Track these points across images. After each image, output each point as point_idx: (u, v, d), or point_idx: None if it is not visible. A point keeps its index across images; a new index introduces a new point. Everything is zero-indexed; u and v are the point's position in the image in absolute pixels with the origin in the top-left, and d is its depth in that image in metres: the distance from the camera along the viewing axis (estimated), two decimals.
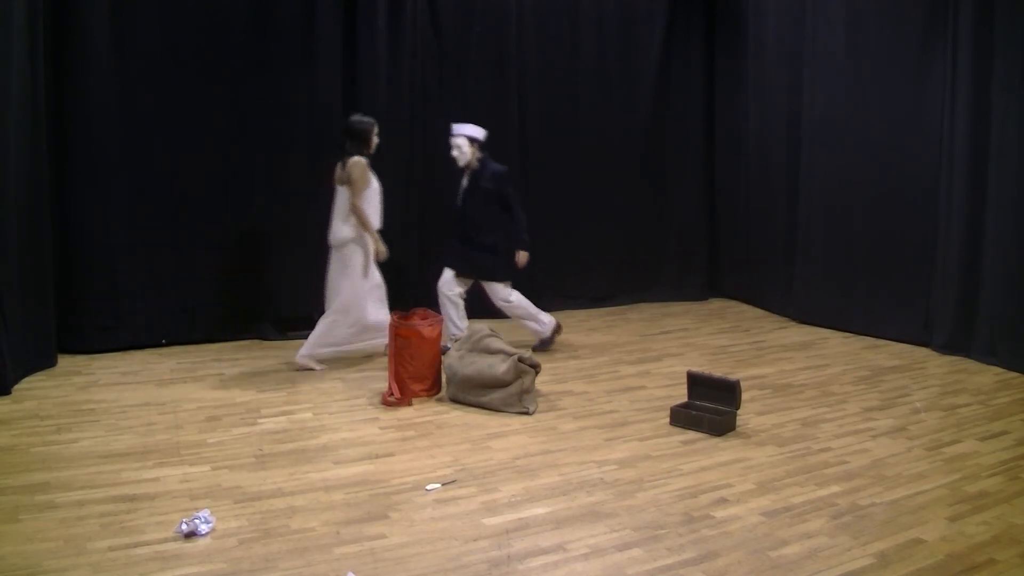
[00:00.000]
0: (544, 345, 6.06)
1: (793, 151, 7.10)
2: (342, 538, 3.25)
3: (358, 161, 5.39)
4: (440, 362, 5.07)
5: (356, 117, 5.57)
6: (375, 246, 5.46)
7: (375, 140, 5.52)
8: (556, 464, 4.03)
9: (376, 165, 6.68)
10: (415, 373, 4.95)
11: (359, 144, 5.46)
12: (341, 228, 5.40)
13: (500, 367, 4.75)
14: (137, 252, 5.93)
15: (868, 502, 3.60)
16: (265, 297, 6.34)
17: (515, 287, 5.99)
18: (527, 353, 4.93)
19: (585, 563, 3.09)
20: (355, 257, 5.42)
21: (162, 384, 5.19)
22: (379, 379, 5.26)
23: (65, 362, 5.54)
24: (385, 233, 7.04)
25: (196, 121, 6.03)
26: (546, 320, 6.05)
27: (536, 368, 4.86)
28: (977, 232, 5.79)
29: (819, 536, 3.29)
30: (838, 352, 6.15)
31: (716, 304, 7.97)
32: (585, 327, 6.93)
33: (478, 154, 5.82)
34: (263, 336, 6.30)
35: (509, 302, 5.92)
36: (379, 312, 5.51)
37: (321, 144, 6.46)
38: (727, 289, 8.16)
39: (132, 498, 3.54)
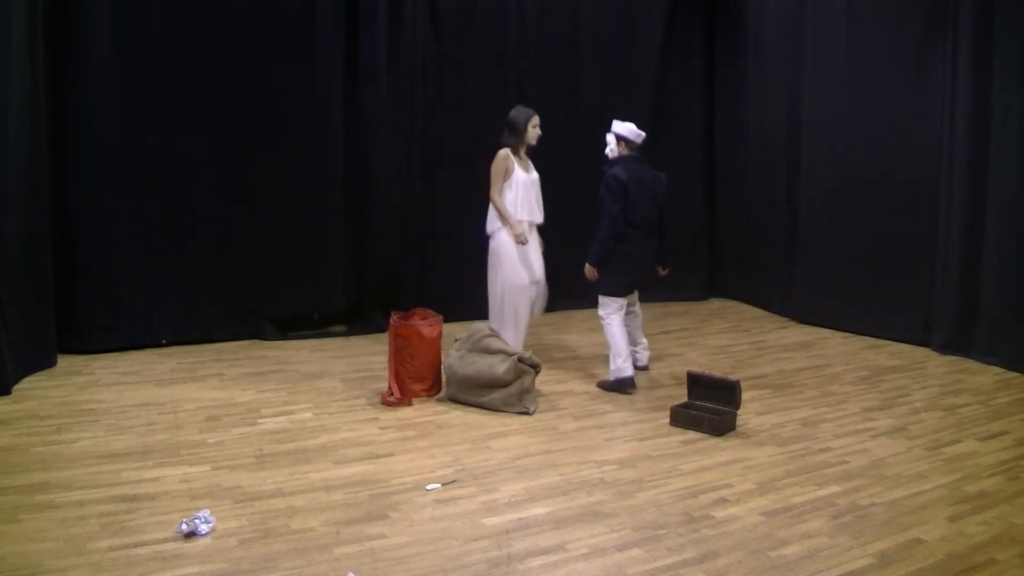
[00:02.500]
0: (604, 386, 5.28)
1: (793, 151, 7.10)
2: (342, 538, 3.25)
3: (499, 153, 5.26)
4: (440, 362, 5.07)
5: (516, 108, 5.39)
6: (514, 234, 5.22)
7: (532, 132, 5.31)
8: (556, 464, 4.03)
9: (376, 164, 6.71)
10: (415, 373, 4.95)
11: (513, 135, 5.30)
12: (490, 219, 5.36)
13: (500, 367, 4.75)
14: (137, 252, 5.92)
15: (868, 502, 3.60)
16: (265, 297, 6.34)
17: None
18: (527, 353, 4.93)
19: (585, 563, 3.09)
20: (500, 249, 5.29)
21: (162, 384, 5.19)
22: (379, 379, 5.26)
23: (65, 362, 5.54)
24: (385, 232, 7.04)
25: (196, 121, 6.03)
26: (622, 364, 5.20)
27: (536, 368, 4.86)
28: (977, 232, 5.79)
29: (819, 536, 3.29)
30: (838, 352, 6.15)
31: (716, 304, 7.97)
32: (585, 327, 6.93)
33: (625, 153, 5.34)
34: (263, 336, 6.29)
35: (600, 319, 5.37)
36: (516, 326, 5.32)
37: (321, 143, 6.46)
38: (727, 289, 8.16)
39: (132, 498, 3.54)
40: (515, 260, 5.29)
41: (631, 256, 5.25)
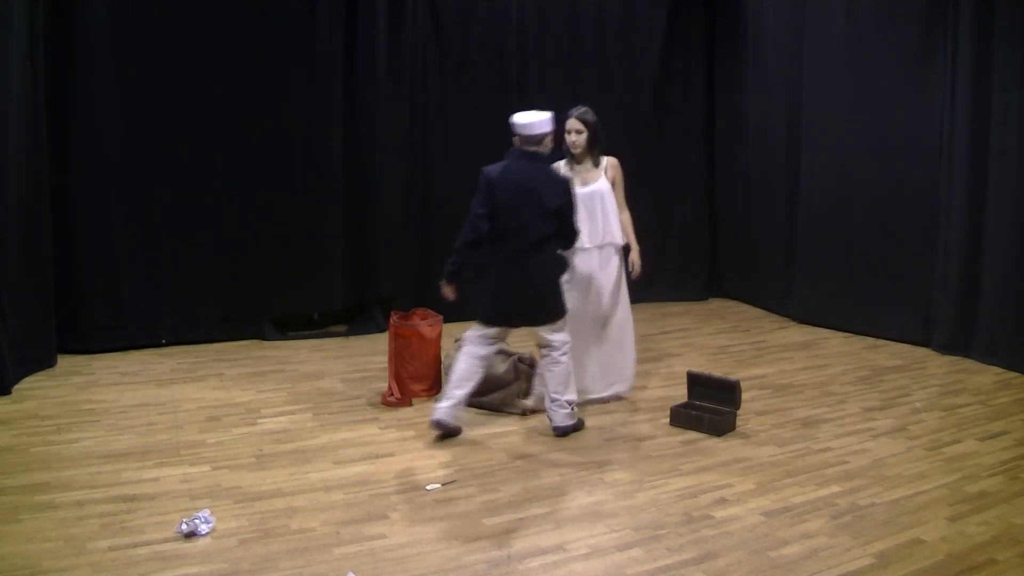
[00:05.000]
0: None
1: (793, 151, 7.09)
2: (342, 538, 3.25)
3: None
4: (440, 362, 5.07)
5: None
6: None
7: (564, 137, 4.67)
8: (556, 464, 4.03)
9: (376, 164, 6.70)
10: (415, 373, 4.95)
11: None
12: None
13: (500, 367, 4.75)
14: (137, 252, 5.92)
15: (868, 502, 3.60)
16: (265, 297, 6.34)
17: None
18: (527, 352, 4.93)
19: (585, 563, 3.09)
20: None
21: (162, 384, 5.19)
22: (379, 379, 5.26)
23: (65, 362, 5.53)
24: (386, 232, 7.04)
25: (196, 121, 6.02)
26: (440, 403, 4.39)
27: (535, 368, 4.86)
28: (977, 232, 5.79)
29: (819, 536, 3.29)
30: (838, 352, 6.15)
31: (716, 304, 7.97)
32: None
33: (518, 147, 4.37)
34: (263, 336, 6.29)
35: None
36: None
37: (321, 143, 6.46)
38: (727, 289, 8.15)
39: (132, 498, 3.54)
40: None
41: (497, 277, 4.28)
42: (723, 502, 3.60)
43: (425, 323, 5.06)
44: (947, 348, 6.01)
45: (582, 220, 4.58)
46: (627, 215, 4.96)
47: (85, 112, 5.69)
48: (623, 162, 7.68)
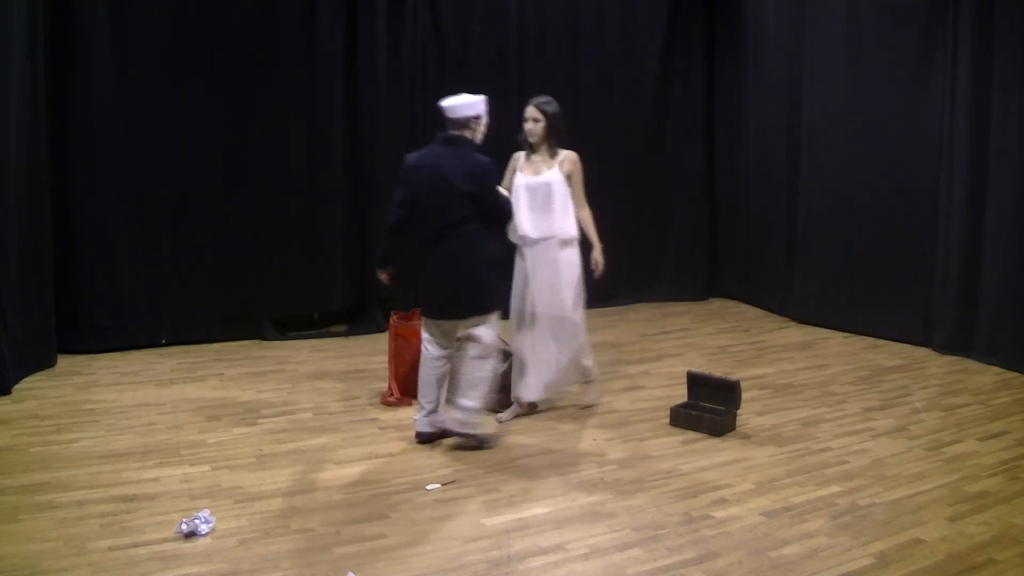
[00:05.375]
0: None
1: (793, 151, 7.10)
2: (342, 538, 3.25)
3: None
4: None
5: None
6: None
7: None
8: (556, 464, 4.03)
9: (376, 164, 6.70)
10: (415, 373, 4.94)
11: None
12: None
13: (500, 367, 4.74)
14: (137, 252, 5.93)
15: (868, 502, 3.60)
16: (265, 297, 6.34)
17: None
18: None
19: (585, 563, 3.09)
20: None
21: (162, 384, 5.19)
22: (379, 379, 5.26)
23: (65, 362, 5.53)
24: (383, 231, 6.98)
25: (196, 120, 6.03)
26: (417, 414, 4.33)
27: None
28: (977, 232, 5.79)
29: (819, 536, 3.29)
30: (838, 352, 6.15)
31: (716, 304, 7.97)
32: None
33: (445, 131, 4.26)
34: (263, 336, 6.29)
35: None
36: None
37: (321, 143, 6.46)
38: (727, 289, 8.15)
39: (132, 498, 3.54)
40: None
41: (416, 265, 4.18)
42: (723, 502, 3.60)
43: None
44: (947, 348, 6.01)
45: (523, 209, 4.48)
46: (587, 212, 4.72)
47: (85, 112, 5.70)
48: (624, 160, 7.78)
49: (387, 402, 4.86)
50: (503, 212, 4.21)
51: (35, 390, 4.99)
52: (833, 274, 6.79)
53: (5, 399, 4.79)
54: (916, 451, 4.19)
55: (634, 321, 7.24)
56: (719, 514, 3.48)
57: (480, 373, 4.16)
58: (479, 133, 4.21)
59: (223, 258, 6.21)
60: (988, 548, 3.18)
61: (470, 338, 4.17)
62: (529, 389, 4.61)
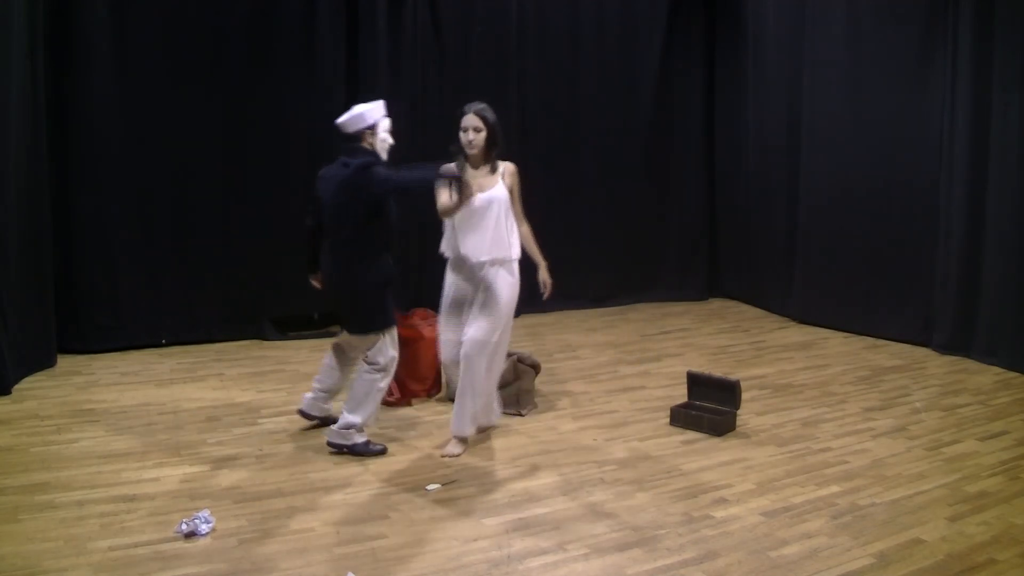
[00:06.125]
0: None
1: (793, 151, 7.10)
2: (342, 538, 3.25)
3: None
4: (440, 362, 5.06)
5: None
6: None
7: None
8: (556, 464, 4.03)
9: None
10: (415, 373, 4.95)
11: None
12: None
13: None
14: (137, 252, 5.93)
15: (868, 502, 3.60)
16: (265, 297, 6.34)
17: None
18: (526, 352, 4.92)
19: (585, 563, 3.09)
20: None
21: (162, 384, 5.19)
22: None
23: (65, 362, 5.53)
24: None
25: (196, 121, 6.03)
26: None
27: (536, 368, 4.85)
28: (977, 232, 5.79)
29: (819, 536, 3.29)
30: (838, 352, 6.15)
31: (716, 304, 7.97)
32: (585, 327, 6.93)
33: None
34: (263, 336, 6.29)
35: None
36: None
37: (321, 143, 6.45)
38: (727, 289, 8.16)
39: (132, 498, 3.54)
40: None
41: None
42: (723, 502, 3.60)
43: (425, 323, 5.06)
44: (947, 348, 6.01)
45: (465, 231, 4.13)
46: (527, 228, 4.31)
47: (85, 112, 5.69)
48: (624, 160, 7.78)
49: (387, 402, 4.85)
50: (383, 229, 4.05)
51: (35, 390, 4.99)
52: (833, 274, 6.79)
53: (5, 399, 4.79)
54: (916, 451, 4.20)
55: (634, 321, 7.24)
56: (719, 514, 3.48)
57: (365, 388, 4.09)
58: (378, 142, 4.09)
59: (223, 258, 6.20)
60: (988, 548, 3.18)
61: (365, 356, 4.13)
62: (463, 422, 4.16)
